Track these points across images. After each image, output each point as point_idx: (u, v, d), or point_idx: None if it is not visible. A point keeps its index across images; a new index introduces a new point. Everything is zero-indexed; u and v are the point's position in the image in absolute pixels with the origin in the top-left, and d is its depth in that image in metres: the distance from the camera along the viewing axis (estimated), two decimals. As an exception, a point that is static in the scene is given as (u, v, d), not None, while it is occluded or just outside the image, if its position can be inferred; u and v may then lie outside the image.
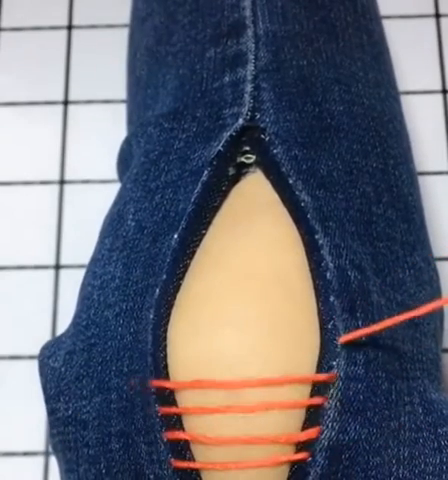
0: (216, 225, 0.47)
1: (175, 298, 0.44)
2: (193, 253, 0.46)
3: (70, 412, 0.48)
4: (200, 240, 0.46)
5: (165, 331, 0.44)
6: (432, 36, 0.91)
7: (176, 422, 0.42)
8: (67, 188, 0.88)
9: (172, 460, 0.42)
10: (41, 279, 0.85)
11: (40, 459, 0.79)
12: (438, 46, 0.90)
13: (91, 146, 0.90)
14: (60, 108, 0.92)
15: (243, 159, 0.49)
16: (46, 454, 0.78)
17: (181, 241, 0.46)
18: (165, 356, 0.43)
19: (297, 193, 0.47)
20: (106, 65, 0.91)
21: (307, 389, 0.41)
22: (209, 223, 0.47)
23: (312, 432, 0.40)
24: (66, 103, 0.92)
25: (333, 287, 0.43)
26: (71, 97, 0.92)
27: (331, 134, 0.51)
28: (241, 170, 0.50)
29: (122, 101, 0.80)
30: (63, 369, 0.49)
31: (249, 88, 0.51)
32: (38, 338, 0.82)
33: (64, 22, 0.95)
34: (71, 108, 0.92)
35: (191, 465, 0.41)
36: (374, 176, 0.51)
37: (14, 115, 0.92)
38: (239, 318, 0.42)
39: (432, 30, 0.91)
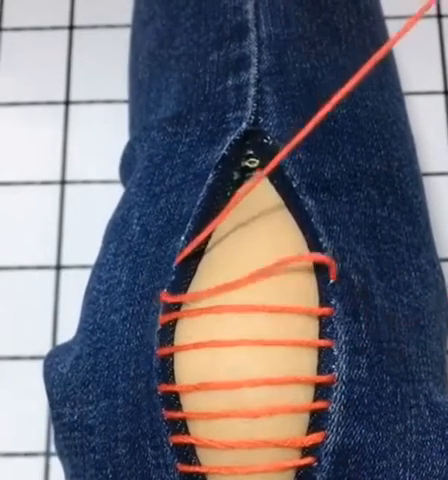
0: (220, 230, 0.47)
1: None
2: (198, 256, 0.46)
3: (76, 417, 0.48)
4: (206, 244, 0.46)
5: (172, 335, 0.44)
6: (434, 37, 0.91)
7: (182, 426, 0.42)
8: (68, 188, 0.88)
9: (178, 464, 0.42)
10: (42, 279, 0.85)
11: (41, 460, 0.79)
12: (440, 47, 0.91)
13: (92, 146, 0.90)
14: (61, 108, 0.92)
15: (247, 163, 0.49)
16: (47, 455, 0.78)
17: (188, 244, 0.46)
18: (172, 361, 0.43)
19: (301, 197, 0.47)
20: (107, 65, 0.91)
21: (310, 393, 0.41)
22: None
23: (317, 436, 0.40)
24: (67, 103, 0.92)
25: (335, 290, 0.43)
26: (72, 97, 0.92)
27: (335, 137, 0.51)
28: (245, 174, 0.49)
29: (123, 101, 0.80)
30: (70, 374, 0.49)
31: (252, 92, 0.51)
32: (39, 338, 0.82)
33: (65, 22, 0.95)
34: (72, 108, 0.92)
35: (197, 469, 0.41)
36: (378, 179, 0.51)
37: (16, 115, 0.93)
38: (242, 322, 0.42)
39: (434, 31, 0.91)
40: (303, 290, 0.43)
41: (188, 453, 0.42)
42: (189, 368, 0.42)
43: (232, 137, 0.49)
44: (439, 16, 0.92)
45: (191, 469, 0.42)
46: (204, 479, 0.42)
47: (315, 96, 0.52)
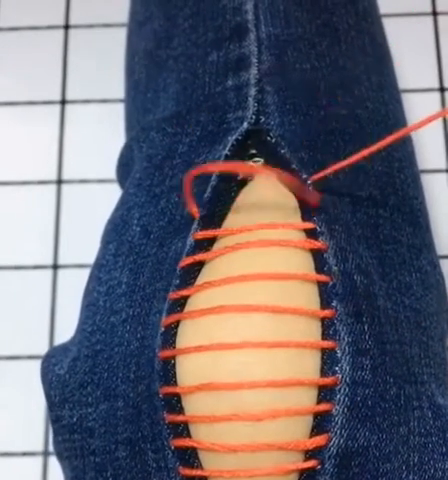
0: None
1: (185, 304, 0.44)
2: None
3: (75, 419, 0.48)
4: (211, 245, 0.46)
5: (174, 337, 0.43)
6: (429, 34, 0.91)
7: (183, 429, 0.42)
8: (65, 188, 0.88)
9: (180, 468, 0.41)
10: (39, 279, 0.85)
11: (39, 459, 0.78)
12: (435, 44, 0.90)
13: (89, 146, 0.90)
14: (57, 108, 0.91)
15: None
16: (45, 454, 0.78)
17: (195, 245, 0.46)
18: (174, 363, 0.43)
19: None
20: (103, 64, 0.91)
21: (314, 396, 0.41)
22: (219, 226, 0.47)
23: (320, 439, 0.40)
24: (63, 103, 0.91)
25: (336, 291, 0.43)
26: (68, 97, 0.91)
27: (336, 137, 0.51)
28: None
29: (120, 100, 0.80)
30: (67, 376, 0.49)
31: (253, 92, 0.51)
32: (36, 338, 0.82)
33: (61, 22, 0.95)
34: (68, 108, 0.91)
35: (199, 473, 0.41)
36: (380, 179, 0.51)
37: (11, 115, 0.92)
38: (244, 323, 0.42)
39: (429, 28, 0.91)
40: (304, 292, 0.43)
41: (190, 456, 0.42)
42: (191, 370, 0.42)
43: (234, 137, 0.49)
44: (434, 13, 0.92)
45: (193, 472, 0.41)
46: (206, 483, 0.42)
47: (316, 96, 0.52)
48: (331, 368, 0.41)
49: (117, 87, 0.76)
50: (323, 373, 0.41)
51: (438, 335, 0.49)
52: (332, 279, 0.43)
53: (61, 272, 0.85)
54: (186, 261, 0.45)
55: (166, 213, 0.50)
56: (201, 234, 0.46)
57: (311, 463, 0.40)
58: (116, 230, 0.52)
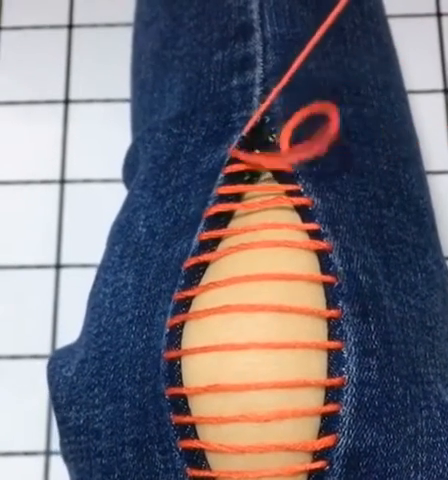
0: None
1: (190, 305, 0.44)
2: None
3: (82, 421, 0.48)
4: (217, 246, 0.46)
5: (180, 337, 0.43)
6: (434, 35, 0.91)
7: (190, 431, 0.42)
8: (68, 187, 0.88)
9: (188, 469, 0.41)
10: (42, 278, 0.85)
11: (40, 459, 0.79)
12: (439, 45, 0.90)
13: (92, 145, 0.90)
14: (61, 107, 0.91)
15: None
16: (47, 454, 0.78)
17: (200, 245, 0.46)
18: (180, 364, 0.43)
19: (306, 196, 0.46)
20: (107, 64, 0.91)
21: (321, 397, 0.41)
22: (225, 227, 0.47)
23: (328, 440, 0.40)
24: (67, 102, 0.91)
25: (342, 291, 0.43)
26: (72, 96, 0.92)
27: (341, 136, 0.51)
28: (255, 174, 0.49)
29: (123, 100, 0.80)
30: (75, 378, 0.49)
31: (258, 92, 0.51)
32: (39, 338, 0.82)
33: (65, 21, 0.95)
34: (72, 107, 0.91)
35: (207, 474, 0.41)
36: (385, 179, 0.51)
37: (15, 114, 0.92)
38: (250, 324, 0.42)
39: (434, 29, 0.91)
40: (310, 292, 0.43)
41: (198, 457, 0.42)
42: (197, 371, 0.42)
43: (239, 136, 0.49)
44: (439, 14, 0.92)
45: (201, 474, 0.41)
46: (214, 484, 0.42)
47: (321, 96, 0.52)
48: (338, 369, 0.41)
49: (120, 86, 0.76)
50: (330, 374, 0.41)
51: (444, 335, 0.49)
52: (337, 279, 0.43)
53: (64, 272, 0.85)
54: (191, 261, 0.45)
55: (171, 214, 0.50)
56: (206, 235, 0.46)
57: (319, 464, 0.40)
58: (122, 232, 0.52)
